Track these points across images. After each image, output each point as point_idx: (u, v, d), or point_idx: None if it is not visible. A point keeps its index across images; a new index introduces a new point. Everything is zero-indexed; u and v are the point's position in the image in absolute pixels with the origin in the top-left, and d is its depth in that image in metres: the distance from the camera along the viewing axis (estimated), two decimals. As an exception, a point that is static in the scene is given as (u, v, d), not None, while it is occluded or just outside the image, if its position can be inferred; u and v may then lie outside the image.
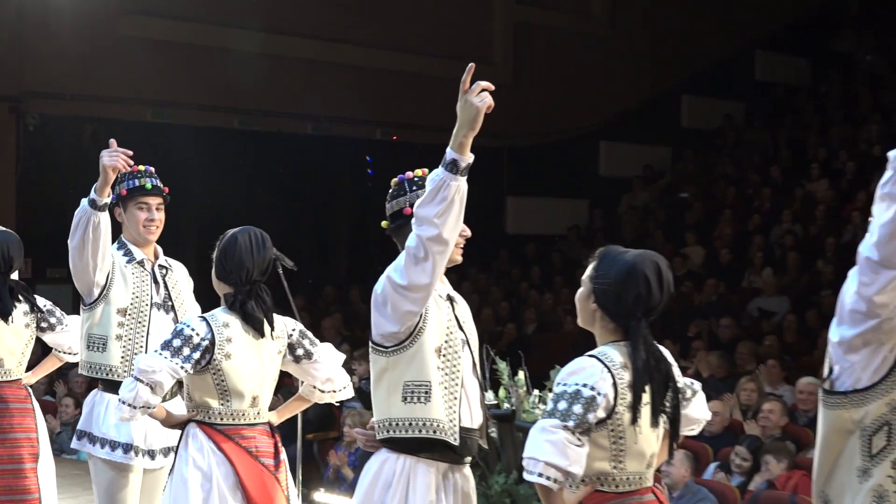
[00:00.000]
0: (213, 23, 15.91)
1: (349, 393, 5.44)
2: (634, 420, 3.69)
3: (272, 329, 5.05)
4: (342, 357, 5.38)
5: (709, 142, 20.66)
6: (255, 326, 4.99)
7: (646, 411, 3.74)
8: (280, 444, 5.18)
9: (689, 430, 4.12)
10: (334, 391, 5.33)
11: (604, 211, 19.42)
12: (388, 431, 4.31)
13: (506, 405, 6.77)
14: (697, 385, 4.16)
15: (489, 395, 6.91)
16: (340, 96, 17.04)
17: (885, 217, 3.30)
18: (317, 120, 17.22)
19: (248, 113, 16.66)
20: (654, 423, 3.77)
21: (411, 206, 4.45)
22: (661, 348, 3.88)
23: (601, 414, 3.65)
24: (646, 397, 3.74)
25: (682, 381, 4.01)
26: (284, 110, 16.87)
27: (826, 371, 3.58)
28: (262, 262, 5.03)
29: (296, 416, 5.56)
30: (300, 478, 6.88)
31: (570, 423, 3.60)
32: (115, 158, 5.54)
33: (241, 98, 16.34)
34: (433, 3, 18.11)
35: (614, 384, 3.67)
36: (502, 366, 6.79)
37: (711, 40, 20.73)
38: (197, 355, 4.87)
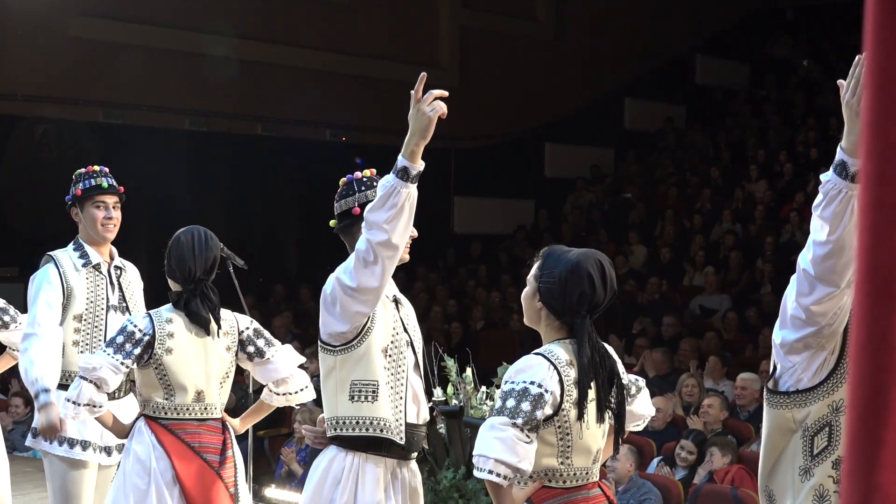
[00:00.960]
0: (162, 24, 15.97)
1: (308, 395, 5.45)
2: (580, 416, 3.72)
3: (218, 326, 5.16)
4: (300, 359, 5.41)
5: (651, 143, 20.94)
6: (200, 323, 5.11)
7: (592, 407, 3.77)
8: (230, 441, 5.23)
9: (634, 425, 4.19)
10: (289, 393, 5.38)
11: (549, 211, 19.65)
12: (336, 429, 4.39)
13: (454, 401, 6.94)
14: (642, 382, 4.24)
15: (437, 391, 7.11)
16: (290, 98, 17.17)
17: (819, 237, 3.37)
18: (267, 121, 17.33)
19: (199, 114, 16.73)
20: (600, 420, 3.81)
21: (360, 206, 4.56)
22: (606, 345, 3.92)
23: (548, 411, 3.67)
24: (591, 394, 3.77)
25: (626, 377, 4.05)
26: (233, 111, 16.95)
27: (770, 370, 3.68)
28: (204, 261, 5.14)
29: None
30: (251, 474, 6.84)
31: (519, 421, 3.61)
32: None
33: (190, 99, 16.40)
34: (380, 6, 18.25)
35: (560, 381, 3.69)
36: (450, 363, 6.95)
37: (653, 45, 21.02)
38: (138, 350, 5.01)
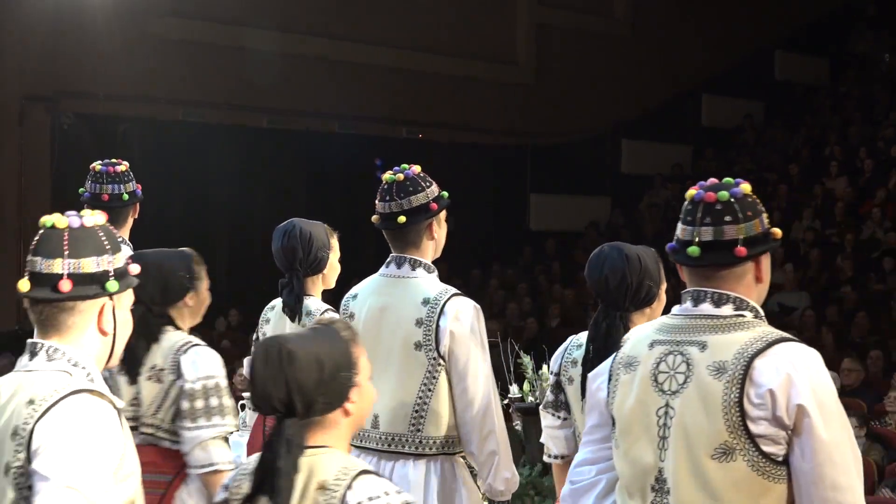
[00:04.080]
0: (240, 23, 16.12)
1: None
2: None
3: (299, 316, 5.18)
4: None
5: (729, 140, 20.80)
6: (284, 310, 5.22)
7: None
8: None
9: None
10: None
11: (625, 208, 19.60)
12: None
13: (529, 398, 6.95)
14: None
15: (513, 388, 7.12)
16: (366, 95, 17.27)
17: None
18: (343, 118, 17.43)
19: (277, 112, 16.88)
20: None
21: (434, 201, 4.73)
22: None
23: None
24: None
25: None
26: (311, 109, 17.07)
27: None
28: (284, 254, 5.19)
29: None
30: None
31: None
32: None
33: (268, 97, 16.55)
34: (457, 3, 18.30)
35: None
36: (526, 360, 6.97)
37: (731, 41, 20.85)
38: (254, 336, 5.53)
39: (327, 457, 2.87)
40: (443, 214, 4.81)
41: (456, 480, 4.66)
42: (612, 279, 4.09)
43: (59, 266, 2.89)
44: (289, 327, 5.05)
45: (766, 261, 3.20)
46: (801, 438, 2.93)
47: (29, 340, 2.98)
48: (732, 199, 3.11)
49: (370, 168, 17.45)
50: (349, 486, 2.79)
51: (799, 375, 2.96)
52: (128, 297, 3.06)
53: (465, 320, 4.65)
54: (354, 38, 17.18)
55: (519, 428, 7.10)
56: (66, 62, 14.99)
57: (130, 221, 6.06)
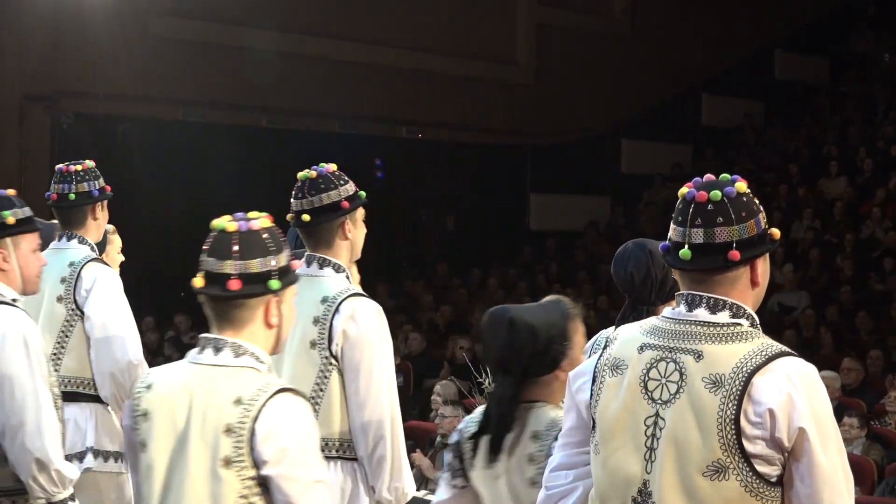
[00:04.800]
0: (240, 23, 16.14)
1: None
2: None
3: None
4: None
5: (729, 140, 20.82)
6: None
7: None
8: None
9: None
10: None
11: (625, 208, 19.61)
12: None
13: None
14: None
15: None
16: (366, 95, 17.29)
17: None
18: (343, 118, 17.45)
19: (276, 112, 16.90)
20: None
21: (347, 199, 4.62)
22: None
23: None
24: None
25: None
26: (311, 109, 17.09)
27: None
28: None
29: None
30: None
31: None
32: None
33: (268, 97, 16.57)
34: (457, 3, 18.31)
35: None
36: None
37: (731, 40, 20.87)
38: None
39: (541, 410, 3.61)
40: (359, 214, 4.71)
41: (357, 485, 4.54)
42: (638, 275, 4.13)
43: (229, 267, 3.23)
44: None
45: (762, 264, 3.06)
46: (800, 463, 2.88)
47: (208, 335, 3.30)
48: (725, 199, 2.99)
49: (370, 168, 17.46)
50: (556, 438, 3.44)
51: (800, 395, 2.88)
52: (291, 292, 3.36)
53: (360, 320, 4.51)
54: (354, 38, 17.20)
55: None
56: (66, 62, 15.01)
57: (93, 223, 5.81)
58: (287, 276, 3.31)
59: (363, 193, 4.72)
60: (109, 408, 5.64)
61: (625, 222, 19.02)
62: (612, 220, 19.61)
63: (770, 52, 21.94)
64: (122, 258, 6.43)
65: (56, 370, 5.36)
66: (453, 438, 3.77)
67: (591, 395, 3.15)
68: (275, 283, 3.25)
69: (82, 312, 5.56)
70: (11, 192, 4.71)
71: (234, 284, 3.22)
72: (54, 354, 5.50)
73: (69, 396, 5.43)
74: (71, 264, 5.63)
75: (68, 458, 5.01)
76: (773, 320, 14.07)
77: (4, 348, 4.32)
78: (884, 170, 16.89)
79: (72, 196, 5.70)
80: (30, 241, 4.61)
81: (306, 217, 4.58)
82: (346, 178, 4.69)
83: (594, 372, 3.16)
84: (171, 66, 15.59)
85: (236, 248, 3.24)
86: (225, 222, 3.28)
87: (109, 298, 5.58)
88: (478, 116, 18.11)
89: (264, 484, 3.14)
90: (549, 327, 3.63)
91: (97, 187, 5.77)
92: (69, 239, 5.74)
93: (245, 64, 16.06)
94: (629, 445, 3.02)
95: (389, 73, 17.52)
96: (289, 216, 4.68)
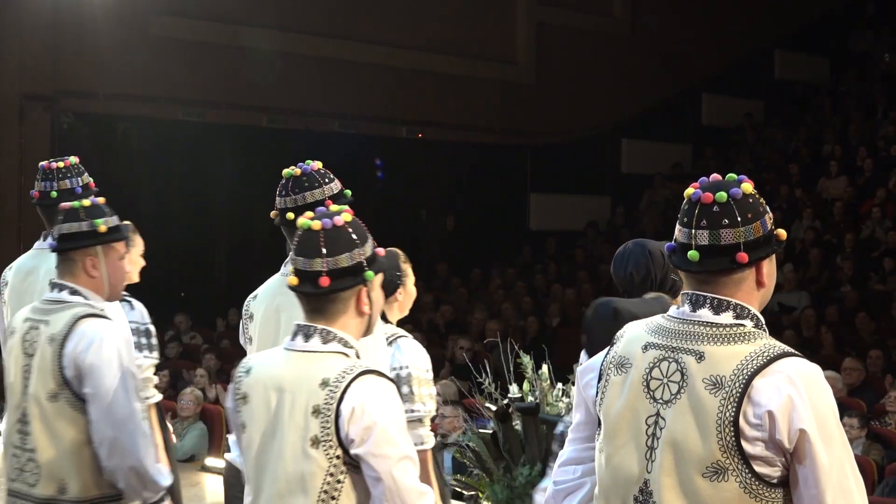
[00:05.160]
0: (240, 23, 16.15)
1: None
2: None
3: None
4: None
5: (729, 140, 20.83)
6: None
7: None
8: None
9: None
10: None
11: (625, 207, 19.62)
12: None
13: (529, 398, 6.95)
14: None
15: (513, 388, 7.11)
16: (366, 95, 17.28)
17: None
18: (343, 118, 17.46)
19: (276, 111, 16.90)
20: None
21: (331, 198, 4.52)
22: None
23: None
24: None
25: None
26: (310, 108, 17.09)
27: None
28: None
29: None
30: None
31: None
32: None
33: (268, 96, 16.57)
34: (457, 2, 18.31)
35: None
36: (526, 359, 6.95)
37: (731, 40, 20.88)
38: None
39: None
40: None
41: None
42: (637, 275, 4.12)
43: (318, 265, 3.39)
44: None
45: (768, 265, 3.05)
46: (803, 465, 2.86)
47: (300, 322, 3.49)
48: (731, 201, 2.97)
49: (370, 167, 17.48)
50: None
51: (800, 397, 2.85)
52: (378, 278, 3.52)
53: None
54: (354, 38, 17.20)
55: (518, 428, 7.09)
56: (65, 61, 15.01)
57: None
58: (373, 264, 3.48)
59: (349, 192, 4.65)
60: None
61: (625, 222, 19.02)
62: (613, 219, 19.61)
63: (770, 52, 21.96)
64: (143, 263, 6.23)
65: None
66: (559, 429, 3.81)
67: (597, 392, 3.17)
68: (371, 273, 3.45)
69: None
70: (101, 200, 4.72)
71: (325, 281, 3.39)
72: None
73: None
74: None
75: None
76: (773, 320, 14.07)
77: (101, 362, 4.35)
78: (884, 169, 16.88)
79: (54, 193, 5.60)
80: (118, 249, 4.69)
81: (290, 215, 4.47)
82: (332, 176, 4.61)
83: (601, 369, 3.17)
84: (170, 65, 15.59)
85: (324, 245, 3.40)
86: (310, 221, 3.43)
87: None
88: (478, 116, 18.11)
89: (352, 463, 3.29)
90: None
91: (80, 184, 5.70)
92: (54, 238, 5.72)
93: (245, 63, 16.07)
94: (631, 444, 3.02)
95: (389, 73, 17.52)
96: (272, 214, 4.62)
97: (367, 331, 3.57)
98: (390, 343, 4.67)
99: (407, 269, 5.00)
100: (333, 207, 3.54)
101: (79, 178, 5.70)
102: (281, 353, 3.49)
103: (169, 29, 15.74)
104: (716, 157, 20.20)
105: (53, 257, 5.61)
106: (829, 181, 17.33)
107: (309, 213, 3.47)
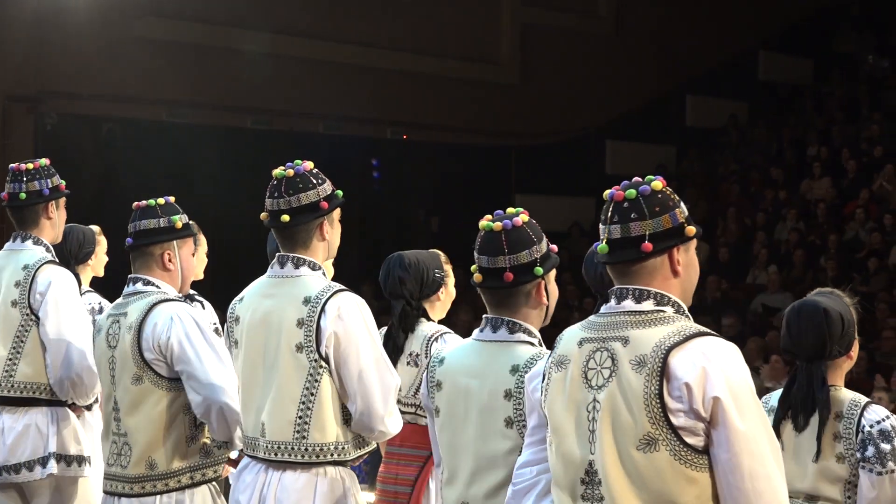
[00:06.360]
0: (225, 24, 16.13)
1: None
2: None
3: None
4: None
5: (713, 141, 20.84)
6: None
7: None
8: None
9: None
10: None
11: (610, 209, 19.62)
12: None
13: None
14: None
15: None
16: (350, 96, 17.28)
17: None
18: (328, 119, 17.44)
19: (261, 112, 16.88)
20: None
21: (325, 199, 4.53)
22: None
23: None
24: None
25: None
26: (295, 110, 17.08)
27: None
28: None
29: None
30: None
31: None
32: None
33: (253, 97, 16.55)
34: (441, 4, 18.31)
35: None
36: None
37: (715, 41, 20.90)
38: None
39: (840, 393, 4.34)
40: (336, 214, 4.61)
41: (345, 492, 4.43)
42: (606, 274, 4.17)
43: (502, 262, 3.79)
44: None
45: (683, 255, 3.29)
46: (717, 430, 3.04)
47: (488, 315, 3.87)
48: (640, 197, 3.26)
49: (355, 169, 17.46)
50: (862, 413, 4.25)
51: (713, 368, 3.05)
52: (553, 273, 3.93)
53: (347, 317, 4.40)
54: (339, 39, 17.19)
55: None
56: (49, 62, 14.98)
57: (47, 222, 5.71)
58: (548, 260, 3.87)
59: (340, 192, 4.65)
60: (69, 410, 5.60)
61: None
62: (597, 221, 19.55)
63: (754, 53, 21.97)
64: (106, 259, 6.44)
65: (11, 376, 5.43)
66: None
67: (542, 392, 3.37)
68: (540, 269, 3.80)
69: (37, 317, 5.50)
70: (172, 198, 5.02)
71: (509, 276, 3.76)
72: (10, 360, 5.47)
73: (27, 402, 5.47)
74: (25, 267, 5.57)
75: (30, 463, 5.37)
76: (757, 321, 14.09)
77: (182, 338, 4.67)
78: (867, 171, 16.91)
79: (22, 195, 5.64)
80: (190, 244, 5.02)
81: (285, 217, 4.49)
82: (324, 177, 4.61)
83: (543, 371, 3.39)
84: (155, 66, 15.56)
85: (506, 244, 3.80)
86: (491, 223, 3.87)
87: (64, 303, 5.53)
88: (462, 117, 18.11)
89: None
90: (846, 314, 4.35)
91: (49, 186, 5.68)
92: (24, 240, 5.70)
93: (230, 65, 16.05)
94: (575, 432, 3.22)
95: (374, 75, 17.51)
96: (263, 215, 4.60)
97: (545, 319, 3.91)
98: (437, 339, 5.14)
99: (448, 269, 5.47)
100: (510, 210, 3.91)
101: (48, 180, 5.69)
102: (471, 343, 3.89)
103: (153, 30, 15.71)
104: (700, 159, 20.23)
105: (20, 257, 5.64)
106: (812, 182, 17.35)
107: (488, 217, 3.90)
